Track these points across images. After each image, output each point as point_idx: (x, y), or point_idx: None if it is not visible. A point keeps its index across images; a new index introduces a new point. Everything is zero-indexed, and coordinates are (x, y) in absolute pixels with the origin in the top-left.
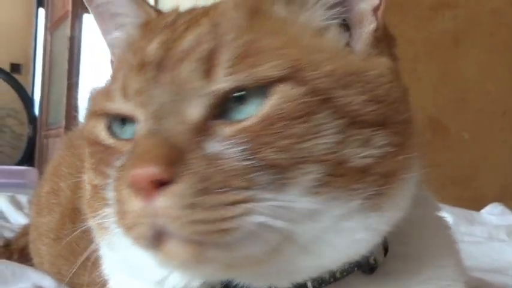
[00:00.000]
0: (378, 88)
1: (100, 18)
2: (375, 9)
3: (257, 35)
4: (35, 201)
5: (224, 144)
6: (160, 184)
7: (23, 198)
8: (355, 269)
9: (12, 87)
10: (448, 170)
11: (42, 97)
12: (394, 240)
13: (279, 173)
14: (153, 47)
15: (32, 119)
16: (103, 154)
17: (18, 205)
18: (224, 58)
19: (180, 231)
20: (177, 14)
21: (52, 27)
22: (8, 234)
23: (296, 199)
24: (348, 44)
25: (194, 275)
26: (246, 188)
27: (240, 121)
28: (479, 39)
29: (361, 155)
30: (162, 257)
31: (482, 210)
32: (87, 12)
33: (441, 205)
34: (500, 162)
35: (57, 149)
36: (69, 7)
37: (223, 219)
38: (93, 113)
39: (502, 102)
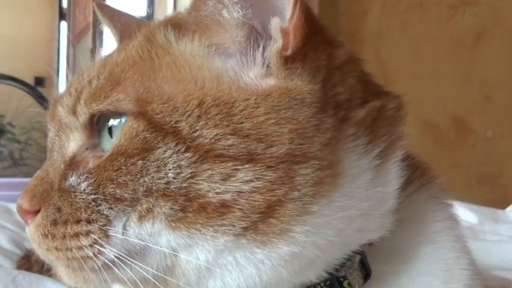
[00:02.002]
0: (246, 121)
1: None
2: (283, 28)
3: (127, 67)
4: None
5: (80, 178)
6: (33, 213)
7: None
8: None
9: (37, 100)
10: (474, 169)
11: None
12: (377, 261)
13: (129, 206)
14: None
15: None
16: None
17: None
18: (85, 92)
19: (48, 256)
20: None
21: (75, 39)
22: (29, 245)
23: (156, 233)
24: (236, 72)
25: None
26: (93, 221)
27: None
28: (501, 36)
29: (218, 190)
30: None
31: (507, 209)
32: None
33: (466, 204)
34: None
35: None
36: (90, 19)
37: (77, 248)
38: None
39: None
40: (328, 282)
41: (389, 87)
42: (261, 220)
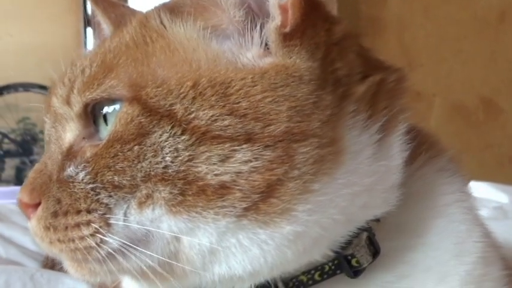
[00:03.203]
0: (243, 100)
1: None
2: (281, 4)
3: (120, 53)
4: None
5: (78, 168)
6: (34, 206)
7: None
8: (338, 272)
9: None
10: (504, 149)
11: None
12: (386, 237)
13: (128, 193)
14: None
15: None
16: None
17: None
18: (78, 81)
19: (51, 249)
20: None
21: None
22: None
23: (157, 218)
24: (234, 53)
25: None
26: (93, 210)
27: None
28: None
29: (216, 172)
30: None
31: None
32: None
33: (496, 184)
34: None
35: None
36: None
37: (80, 239)
38: None
39: None
40: (336, 261)
41: (414, 72)
42: (261, 200)
